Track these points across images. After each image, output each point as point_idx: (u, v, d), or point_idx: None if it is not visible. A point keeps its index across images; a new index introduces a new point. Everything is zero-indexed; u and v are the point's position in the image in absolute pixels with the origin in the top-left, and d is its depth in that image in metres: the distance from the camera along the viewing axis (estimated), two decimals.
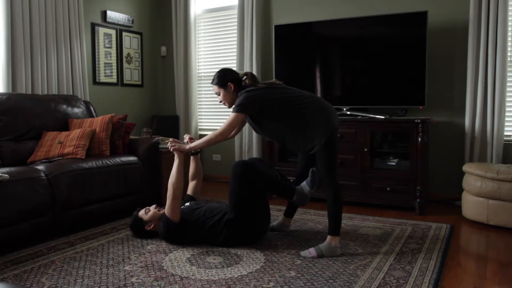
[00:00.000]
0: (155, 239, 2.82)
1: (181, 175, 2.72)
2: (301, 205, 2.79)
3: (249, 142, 4.69)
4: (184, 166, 2.78)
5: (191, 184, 3.08)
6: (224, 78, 2.68)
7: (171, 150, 2.80)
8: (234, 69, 4.80)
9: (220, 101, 2.74)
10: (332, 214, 2.55)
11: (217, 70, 2.77)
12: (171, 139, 2.85)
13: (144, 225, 2.81)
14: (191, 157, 3.04)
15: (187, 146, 2.79)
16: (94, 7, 4.54)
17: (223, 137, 2.63)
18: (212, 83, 2.75)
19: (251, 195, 2.63)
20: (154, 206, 2.85)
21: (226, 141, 4.86)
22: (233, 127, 2.60)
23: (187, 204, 2.91)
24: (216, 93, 2.74)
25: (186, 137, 2.89)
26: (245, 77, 2.69)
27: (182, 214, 2.71)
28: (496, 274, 2.29)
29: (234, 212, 2.60)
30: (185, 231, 2.70)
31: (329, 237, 2.56)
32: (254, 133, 4.63)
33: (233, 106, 2.63)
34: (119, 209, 3.31)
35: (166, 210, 2.67)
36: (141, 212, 2.85)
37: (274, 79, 2.79)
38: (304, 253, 2.54)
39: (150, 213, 2.81)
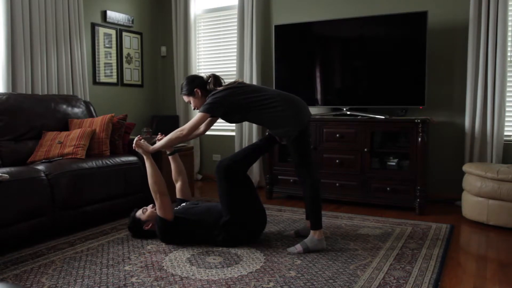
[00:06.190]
0: (155, 239, 2.82)
1: (157, 171, 2.74)
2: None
3: (249, 141, 4.69)
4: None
5: (177, 186, 3.05)
6: (191, 85, 2.75)
7: (134, 147, 2.84)
8: (234, 69, 4.85)
9: (194, 108, 2.80)
10: (310, 209, 2.63)
11: (186, 77, 2.83)
12: (137, 138, 2.86)
13: (143, 225, 2.81)
14: (170, 158, 3.02)
15: (150, 148, 2.82)
16: (94, 7, 4.54)
17: (185, 136, 2.67)
18: (181, 93, 2.83)
19: (240, 189, 2.68)
20: (151, 205, 2.85)
21: (226, 141, 4.95)
22: (196, 127, 2.66)
23: (183, 204, 2.91)
24: (187, 102, 2.83)
25: (159, 136, 2.93)
26: (210, 79, 2.74)
27: (177, 213, 2.72)
28: (496, 274, 2.29)
29: (229, 213, 2.62)
30: (181, 230, 2.70)
31: (311, 231, 2.61)
32: (254, 132, 4.64)
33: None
34: (119, 209, 3.31)
35: (158, 210, 2.68)
36: (139, 212, 2.85)
37: (236, 79, 2.83)
38: (290, 249, 2.59)
39: (147, 213, 2.81)
